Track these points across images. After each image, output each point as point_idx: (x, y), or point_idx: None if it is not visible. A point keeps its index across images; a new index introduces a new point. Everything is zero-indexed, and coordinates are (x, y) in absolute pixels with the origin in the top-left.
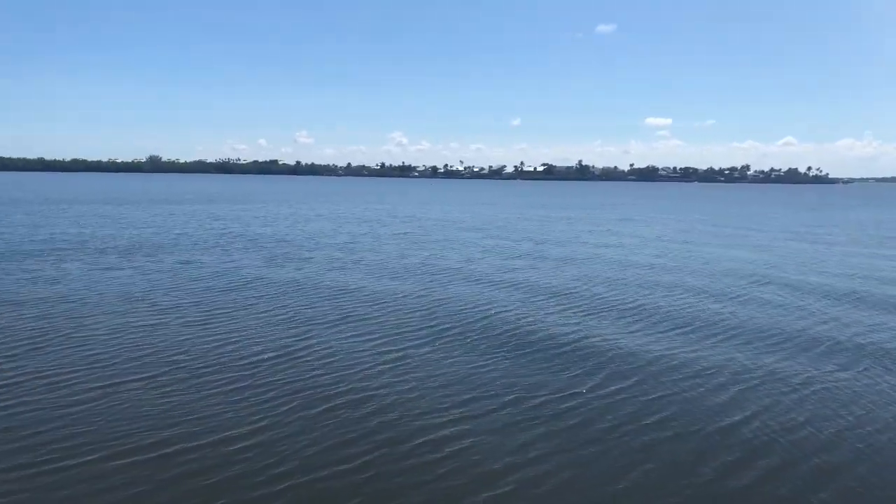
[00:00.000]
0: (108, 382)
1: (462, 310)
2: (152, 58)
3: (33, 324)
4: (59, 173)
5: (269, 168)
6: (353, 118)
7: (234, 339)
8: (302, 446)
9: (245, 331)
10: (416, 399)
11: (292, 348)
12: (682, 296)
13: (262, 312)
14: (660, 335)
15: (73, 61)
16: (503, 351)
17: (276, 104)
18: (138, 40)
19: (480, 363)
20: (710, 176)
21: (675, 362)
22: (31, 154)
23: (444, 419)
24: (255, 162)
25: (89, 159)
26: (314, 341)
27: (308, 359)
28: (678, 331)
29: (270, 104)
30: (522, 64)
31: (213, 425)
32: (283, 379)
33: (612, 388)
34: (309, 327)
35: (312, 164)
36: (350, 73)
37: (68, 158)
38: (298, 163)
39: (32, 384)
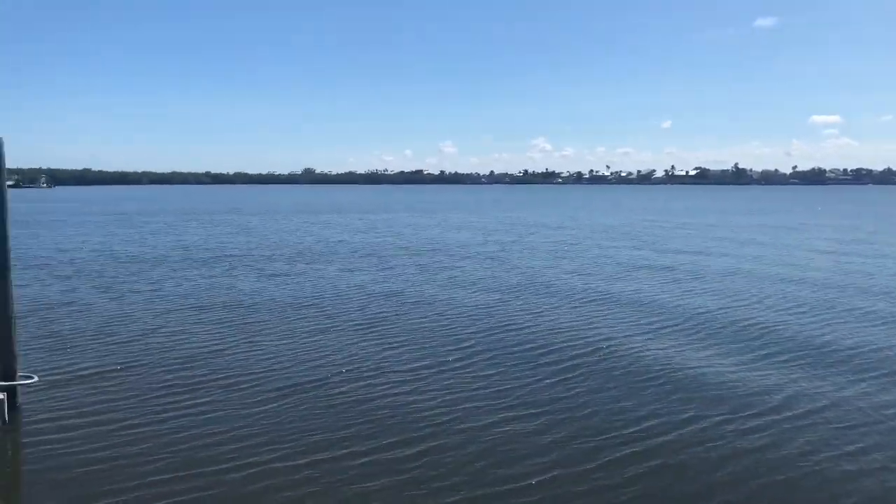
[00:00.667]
0: (283, 386)
1: (624, 336)
2: (305, 76)
3: (213, 328)
4: (224, 185)
5: (414, 178)
6: (497, 126)
7: (396, 346)
8: (469, 459)
9: (406, 337)
10: (592, 425)
11: (452, 357)
12: (869, 325)
13: (420, 320)
14: (838, 370)
15: (234, 82)
16: (660, 382)
17: (422, 115)
18: (292, 60)
19: (653, 392)
20: (888, 177)
21: (860, 401)
22: (200, 168)
23: (626, 451)
24: (402, 172)
25: (250, 172)
26: (475, 350)
27: (470, 370)
28: (858, 365)
29: (416, 115)
30: (673, 63)
31: (381, 431)
32: (447, 390)
33: (793, 414)
34: (471, 342)
35: (456, 172)
36: (493, 81)
37: (232, 172)
38: (443, 172)
39: (212, 387)
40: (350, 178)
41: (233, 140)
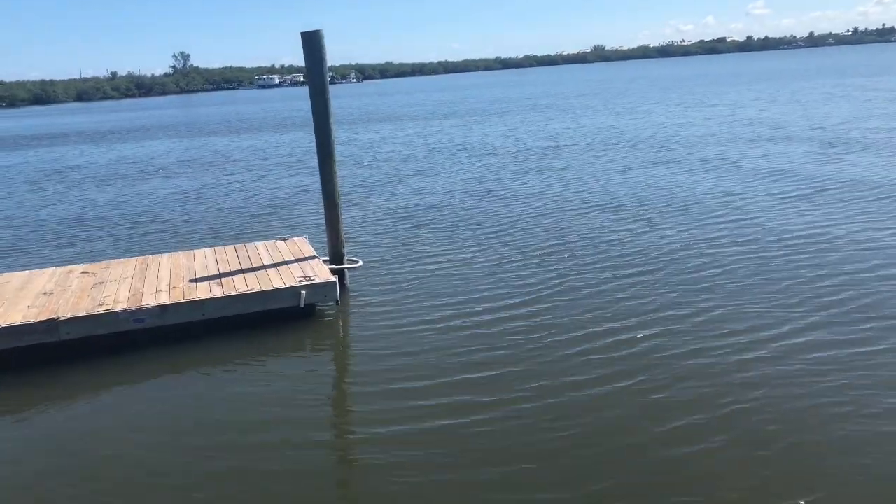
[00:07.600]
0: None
1: None
2: None
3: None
4: (514, 70)
5: (715, 47)
6: None
7: None
8: None
9: None
10: None
11: None
12: None
13: None
14: None
15: None
16: None
17: None
18: None
19: None
20: None
21: None
22: (487, 54)
23: None
24: (701, 42)
25: (539, 54)
26: None
27: None
28: None
29: None
30: None
31: None
32: None
33: None
34: None
35: (766, 37)
36: None
37: (521, 55)
38: (749, 38)
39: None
40: (642, 53)
41: (520, 23)
